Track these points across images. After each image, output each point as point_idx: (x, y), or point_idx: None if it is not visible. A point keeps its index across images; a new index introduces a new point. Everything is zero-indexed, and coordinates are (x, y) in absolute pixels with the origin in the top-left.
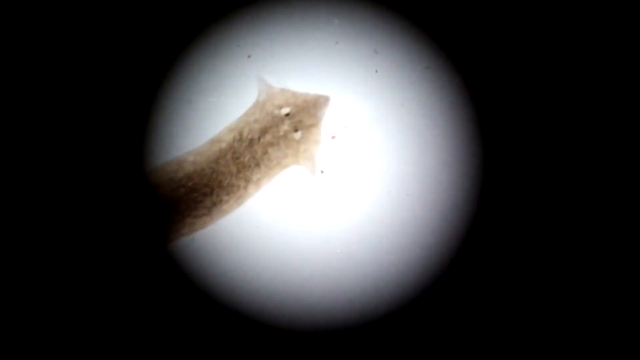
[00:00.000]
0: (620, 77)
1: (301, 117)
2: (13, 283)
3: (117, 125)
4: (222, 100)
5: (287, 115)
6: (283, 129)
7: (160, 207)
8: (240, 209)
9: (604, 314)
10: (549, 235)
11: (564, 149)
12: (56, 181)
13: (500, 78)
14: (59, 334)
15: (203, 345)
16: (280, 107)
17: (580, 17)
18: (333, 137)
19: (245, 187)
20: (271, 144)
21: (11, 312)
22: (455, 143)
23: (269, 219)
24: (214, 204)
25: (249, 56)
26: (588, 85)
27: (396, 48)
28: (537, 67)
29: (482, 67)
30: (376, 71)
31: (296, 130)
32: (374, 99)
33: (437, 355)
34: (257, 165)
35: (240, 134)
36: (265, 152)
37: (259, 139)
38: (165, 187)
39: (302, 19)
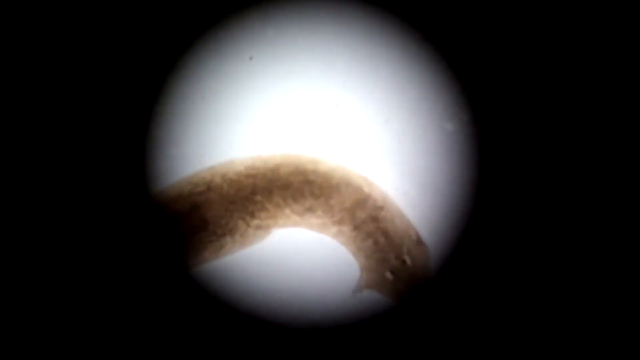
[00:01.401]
0: (618, 80)
1: (405, 276)
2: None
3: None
4: None
5: (403, 261)
6: (389, 258)
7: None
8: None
9: (600, 313)
10: (545, 236)
11: (560, 151)
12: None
13: (497, 81)
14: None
15: (203, 341)
16: (411, 252)
17: (576, 20)
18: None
19: (334, 225)
20: (374, 241)
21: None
22: (452, 145)
23: None
24: (304, 212)
25: (250, 58)
26: (583, 88)
27: (394, 50)
28: (533, 70)
29: (479, 70)
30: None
31: (391, 273)
32: (374, 100)
33: (437, 351)
34: (352, 230)
35: (380, 208)
36: (364, 237)
37: (377, 227)
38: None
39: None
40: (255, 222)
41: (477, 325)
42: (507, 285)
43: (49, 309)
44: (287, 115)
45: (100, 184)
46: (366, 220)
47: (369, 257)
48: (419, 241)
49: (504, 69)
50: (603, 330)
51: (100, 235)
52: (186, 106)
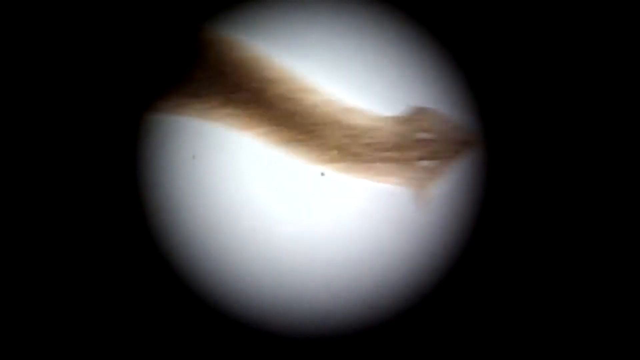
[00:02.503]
0: (622, 77)
1: (439, 147)
2: None
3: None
4: None
5: (420, 141)
6: (413, 155)
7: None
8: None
9: (605, 317)
10: (552, 239)
11: (569, 150)
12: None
13: (504, 79)
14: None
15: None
16: (424, 130)
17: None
18: None
19: (330, 160)
20: (385, 160)
21: None
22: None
23: (265, 219)
24: (295, 142)
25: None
26: (591, 85)
27: (400, 47)
28: (539, 68)
29: (485, 67)
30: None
31: (423, 158)
32: (376, 97)
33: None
34: (357, 161)
35: (371, 129)
36: (375, 161)
37: (380, 148)
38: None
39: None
40: (228, 110)
41: (488, 330)
42: (520, 288)
43: None
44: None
45: None
46: (364, 147)
47: (395, 174)
48: (418, 115)
49: (512, 67)
50: (612, 334)
51: None
52: None
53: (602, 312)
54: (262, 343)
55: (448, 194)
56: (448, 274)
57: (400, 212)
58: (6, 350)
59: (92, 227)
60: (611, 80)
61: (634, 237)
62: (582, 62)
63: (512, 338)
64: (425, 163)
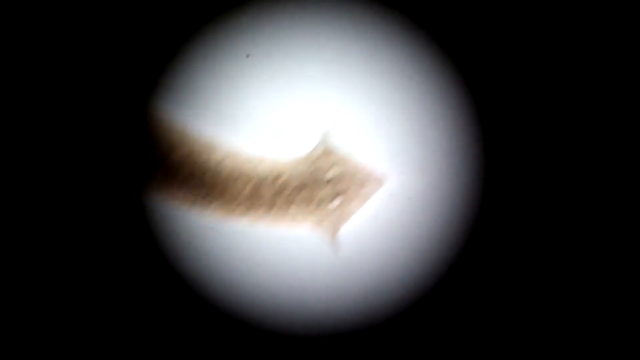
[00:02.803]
0: (621, 77)
1: (347, 185)
2: None
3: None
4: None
5: (329, 181)
6: (321, 194)
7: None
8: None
9: (605, 317)
10: (550, 240)
11: (566, 151)
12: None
13: (502, 80)
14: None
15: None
16: (328, 169)
17: (580, 17)
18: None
19: (241, 213)
20: (298, 203)
21: None
22: (456, 146)
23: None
24: (205, 201)
25: (247, 56)
26: (588, 85)
27: (396, 49)
28: (537, 68)
29: (483, 68)
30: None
31: (335, 198)
32: (374, 101)
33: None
34: (269, 210)
35: (277, 177)
36: (286, 207)
37: (290, 193)
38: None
39: (301, 17)
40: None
41: (483, 329)
42: (517, 288)
43: None
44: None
45: None
46: (274, 196)
47: (308, 217)
48: (324, 153)
49: (509, 66)
50: (604, 332)
51: None
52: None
53: (601, 311)
54: (262, 342)
55: (447, 196)
56: (446, 274)
57: (400, 214)
58: (8, 351)
59: (94, 228)
60: (609, 82)
61: (632, 237)
62: (580, 63)
63: (510, 338)
64: (337, 202)
